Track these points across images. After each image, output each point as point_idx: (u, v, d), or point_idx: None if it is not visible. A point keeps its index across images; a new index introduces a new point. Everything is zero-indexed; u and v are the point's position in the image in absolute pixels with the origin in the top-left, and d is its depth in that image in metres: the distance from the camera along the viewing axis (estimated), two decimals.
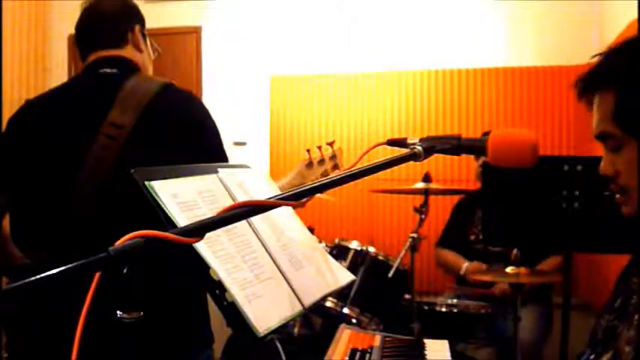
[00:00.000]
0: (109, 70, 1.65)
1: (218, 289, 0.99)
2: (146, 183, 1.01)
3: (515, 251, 2.60)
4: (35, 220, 1.58)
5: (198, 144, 1.61)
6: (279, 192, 1.22)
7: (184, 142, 1.58)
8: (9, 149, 1.64)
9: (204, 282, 1.00)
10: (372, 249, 3.09)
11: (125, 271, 0.69)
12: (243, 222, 1.15)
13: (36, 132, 1.61)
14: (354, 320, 2.92)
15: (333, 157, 2.05)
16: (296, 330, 3.12)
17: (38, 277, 0.59)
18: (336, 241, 3.18)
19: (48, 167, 1.57)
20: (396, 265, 2.90)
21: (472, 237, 3.34)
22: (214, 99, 4.26)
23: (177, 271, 1.31)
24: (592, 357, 1.07)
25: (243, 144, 4.26)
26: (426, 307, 2.97)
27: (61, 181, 1.53)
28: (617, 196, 1.04)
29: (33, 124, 1.63)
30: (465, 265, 3.20)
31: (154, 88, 1.61)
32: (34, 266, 1.53)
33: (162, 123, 1.59)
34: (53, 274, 0.59)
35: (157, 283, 1.34)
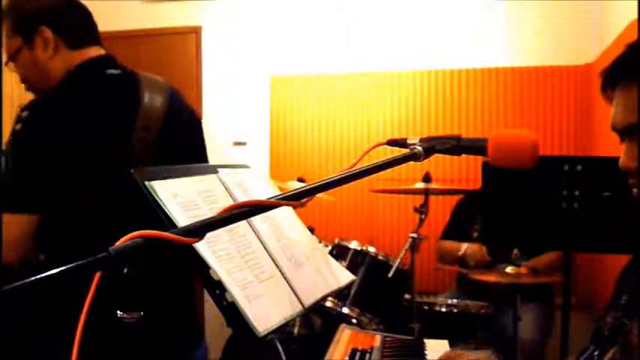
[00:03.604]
0: (115, 72, 1.64)
1: (218, 289, 0.99)
2: (146, 183, 1.01)
3: (515, 251, 2.60)
4: (70, 221, 1.52)
5: (202, 142, 1.73)
6: (279, 192, 1.23)
7: (197, 142, 1.71)
8: (31, 150, 1.53)
9: (203, 281, 1.00)
10: (372, 249, 3.09)
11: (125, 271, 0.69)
12: (244, 222, 1.15)
13: (59, 133, 1.52)
14: (354, 320, 2.92)
15: None
16: (296, 330, 3.12)
17: (38, 277, 0.59)
18: (336, 241, 3.18)
19: (77, 168, 1.49)
20: (396, 265, 2.91)
21: (474, 235, 3.34)
22: (214, 99, 4.27)
23: (170, 270, 1.31)
24: (596, 353, 1.07)
25: (243, 144, 4.26)
26: (426, 307, 2.97)
27: (96, 182, 1.49)
28: (635, 190, 1.03)
29: (56, 124, 1.53)
30: (464, 246, 3.20)
31: (168, 91, 1.66)
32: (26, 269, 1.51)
33: (180, 124, 1.66)
34: (53, 274, 0.59)
35: (155, 283, 1.34)
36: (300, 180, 3.25)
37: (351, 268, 2.98)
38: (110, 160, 1.49)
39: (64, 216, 1.50)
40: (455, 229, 3.44)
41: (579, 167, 2.14)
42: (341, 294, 2.92)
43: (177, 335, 1.60)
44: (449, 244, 3.37)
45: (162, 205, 1.00)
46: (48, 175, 1.47)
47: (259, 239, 1.17)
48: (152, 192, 1.01)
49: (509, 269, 2.63)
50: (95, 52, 1.66)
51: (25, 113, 1.54)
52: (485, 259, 3.13)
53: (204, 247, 1.00)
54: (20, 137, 1.50)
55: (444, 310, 2.97)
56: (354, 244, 3.11)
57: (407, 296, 2.96)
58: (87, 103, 1.54)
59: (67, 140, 1.48)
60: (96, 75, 1.63)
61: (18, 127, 1.52)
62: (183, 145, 1.65)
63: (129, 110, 1.56)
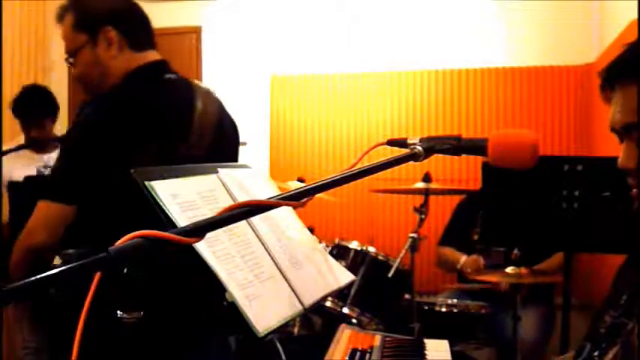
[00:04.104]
0: (172, 77, 1.70)
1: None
2: (146, 183, 1.01)
3: (515, 251, 2.60)
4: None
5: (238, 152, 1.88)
6: (279, 192, 1.23)
7: (237, 151, 1.87)
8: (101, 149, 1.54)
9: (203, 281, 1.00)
10: (372, 249, 3.09)
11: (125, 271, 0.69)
12: (243, 222, 1.15)
13: (120, 131, 1.53)
14: (354, 320, 2.92)
15: None
16: (296, 330, 3.12)
17: (38, 277, 0.59)
18: (336, 241, 3.17)
19: (133, 166, 1.51)
20: (396, 265, 2.90)
21: (474, 236, 3.34)
22: None
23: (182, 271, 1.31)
24: (596, 353, 1.07)
25: (244, 144, 4.25)
26: (426, 307, 2.97)
27: None
28: (634, 190, 1.03)
29: (118, 122, 1.54)
30: (463, 258, 3.21)
31: (218, 101, 1.76)
32: None
33: (227, 133, 1.81)
34: (53, 274, 0.59)
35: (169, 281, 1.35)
36: (300, 180, 3.25)
37: (351, 268, 2.98)
38: (167, 162, 1.49)
39: (109, 213, 1.50)
40: (455, 232, 3.44)
41: (579, 167, 2.14)
42: (341, 294, 2.92)
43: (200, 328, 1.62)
44: (449, 254, 3.37)
45: (162, 205, 1.00)
46: (100, 170, 1.49)
47: (259, 239, 1.17)
48: (152, 192, 1.01)
49: (509, 269, 2.63)
50: (153, 56, 1.71)
51: (89, 109, 1.57)
52: (482, 268, 3.13)
53: (204, 247, 1.00)
54: (80, 131, 1.54)
55: (444, 310, 2.96)
56: (354, 244, 3.10)
57: (407, 296, 2.96)
58: (149, 104, 1.58)
59: (127, 139, 1.51)
60: (156, 78, 1.67)
61: (79, 120, 1.57)
62: (227, 153, 1.76)
63: (186, 115, 1.62)
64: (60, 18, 1.71)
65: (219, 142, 1.69)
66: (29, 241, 1.51)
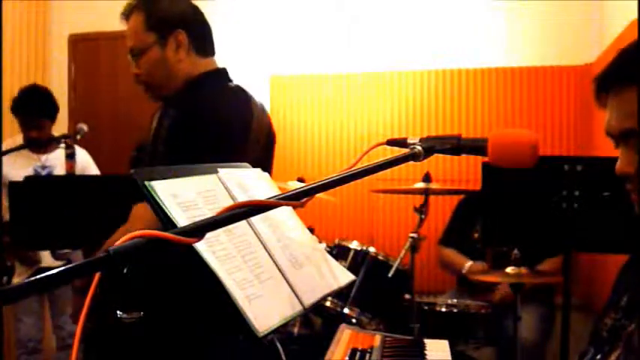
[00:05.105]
0: (232, 84, 1.82)
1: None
2: (146, 183, 1.01)
3: (515, 251, 2.60)
4: None
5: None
6: (279, 192, 1.23)
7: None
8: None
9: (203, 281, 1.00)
10: (372, 249, 3.09)
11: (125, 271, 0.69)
12: (243, 222, 1.15)
13: (198, 132, 1.62)
14: (354, 320, 2.92)
15: None
16: (296, 330, 3.12)
17: (38, 277, 0.59)
18: (336, 241, 3.18)
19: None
20: (396, 265, 2.90)
21: (475, 236, 3.33)
22: None
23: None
24: (598, 357, 1.06)
25: None
26: (426, 307, 2.97)
27: None
28: (633, 195, 1.02)
29: (197, 124, 1.63)
30: (468, 264, 3.20)
31: (266, 109, 1.89)
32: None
33: (273, 139, 1.90)
34: (53, 274, 0.59)
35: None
36: (300, 180, 3.25)
37: (351, 268, 2.98)
38: (231, 161, 1.56)
39: None
40: (455, 232, 3.43)
41: (579, 167, 2.14)
42: (341, 294, 2.92)
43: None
44: (453, 257, 3.36)
45: (162, 205, 1.00)
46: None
47: (259, 239, 1.17)
48: (152, 192, 1.01)
49: (509, 269, 2.63)
50: (214, 63, 1.81)
51: (172, 111, 1.66)
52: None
53: (204, 247, 1.00)
54: (175, 131, 1.62)
55: (444, 310, 2.96)
56: (354, 244, 3.10)
57: (407, 296, 2.96)
58: (223, 108, 1.69)
59: (211, 139, 1.60)
60: (222, 84, 1.78)
61: (166, 122, 1.64)
62: (271, 158, 1.84)
63: (247, 120, 1.72)
64: (126, 16, 1.77)
65: (268, 147, 1.81)
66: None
